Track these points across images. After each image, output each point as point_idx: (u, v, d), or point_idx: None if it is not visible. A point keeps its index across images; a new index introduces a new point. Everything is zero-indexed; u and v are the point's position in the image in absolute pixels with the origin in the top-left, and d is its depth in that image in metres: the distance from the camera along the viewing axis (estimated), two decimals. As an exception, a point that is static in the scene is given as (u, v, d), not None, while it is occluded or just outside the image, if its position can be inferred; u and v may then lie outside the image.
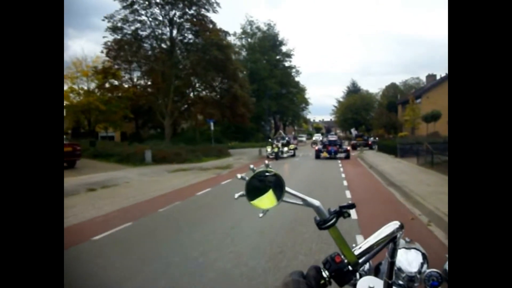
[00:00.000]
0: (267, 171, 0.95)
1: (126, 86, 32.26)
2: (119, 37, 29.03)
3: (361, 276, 1.09)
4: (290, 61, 56.81)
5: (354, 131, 33.33)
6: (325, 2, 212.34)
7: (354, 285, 1.05)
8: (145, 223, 6.92)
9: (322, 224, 0.94)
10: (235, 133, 48.52)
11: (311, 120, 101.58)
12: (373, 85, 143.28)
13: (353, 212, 6.52)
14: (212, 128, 32.63)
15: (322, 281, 0.90)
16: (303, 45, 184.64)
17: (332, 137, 27.36)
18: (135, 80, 32.49)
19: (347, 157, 23.54)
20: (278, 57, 54.08)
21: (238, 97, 26.55)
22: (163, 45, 29.94)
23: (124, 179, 13.57)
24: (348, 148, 25.41)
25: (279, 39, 53.85)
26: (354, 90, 75.87)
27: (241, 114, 27.94)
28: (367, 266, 1.16)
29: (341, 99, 77.09)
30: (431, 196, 8.25)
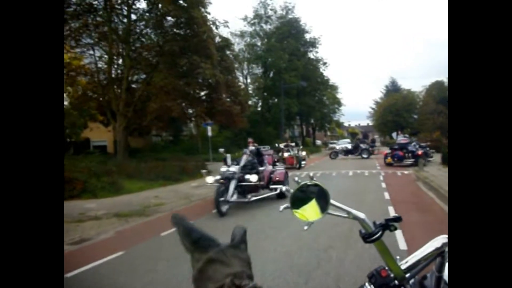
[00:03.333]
0: (311, 183, 0.94)
1: (83, 79, 23.65)
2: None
3: None
4: (317, 52, 46.48)
5: (400, 136, 23.20)
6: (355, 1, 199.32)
7: None
8: None
9: (367, 237, 0.89)
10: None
11: (346, 124, 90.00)
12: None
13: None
14: (209, 133, 23.58)
15: None
16: (334, 51, 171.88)
17: (403, 140, 21.73)
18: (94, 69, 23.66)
19: (415, 163, 17.88)
20: (300, 47, 43.85)
21: (218, 82, 16.23)
22: (124, 19, 21.01)
23: None
24: (419, 152, 19.18)
25: (301, 24, 43.71)
26: (394, 89, 66.77)
27: (227, 111, 17.64)
28: (412, 280, 1.09)
29: (379, 100, 67.86)
30: None
